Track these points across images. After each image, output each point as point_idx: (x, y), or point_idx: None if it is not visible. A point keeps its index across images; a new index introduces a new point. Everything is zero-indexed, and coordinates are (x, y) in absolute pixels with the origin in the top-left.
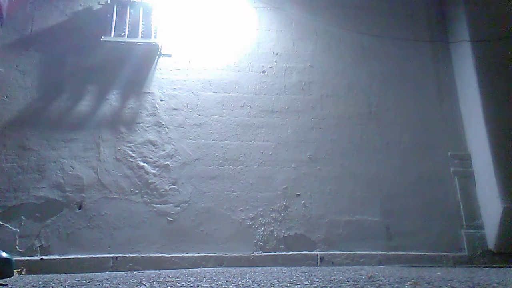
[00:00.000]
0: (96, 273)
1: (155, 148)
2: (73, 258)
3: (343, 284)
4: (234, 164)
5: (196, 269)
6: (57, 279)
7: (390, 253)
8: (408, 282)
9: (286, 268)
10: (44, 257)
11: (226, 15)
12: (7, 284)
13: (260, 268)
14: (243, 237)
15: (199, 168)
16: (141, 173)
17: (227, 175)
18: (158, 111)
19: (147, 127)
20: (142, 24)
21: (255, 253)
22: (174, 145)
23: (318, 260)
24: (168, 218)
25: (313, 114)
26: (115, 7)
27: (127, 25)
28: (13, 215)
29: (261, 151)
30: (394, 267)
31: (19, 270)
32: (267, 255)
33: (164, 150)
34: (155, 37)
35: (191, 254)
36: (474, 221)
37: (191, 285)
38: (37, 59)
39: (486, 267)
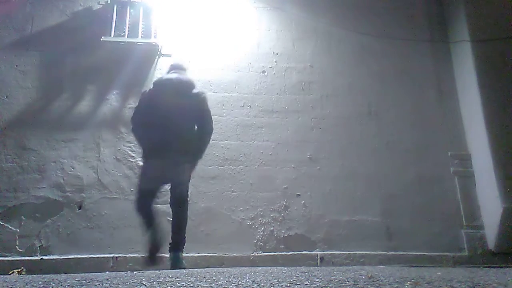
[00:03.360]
0: (96, 273)
1: None
2: (73, 258)
3: (343, 284)
4: (234, 164)
5: (196, 269)
6: (57, 279)
7: (390, 253)
8: (408, 282)
9: (286, 268)
10: (44, 257)
11: (226, 15)
12: (8, 285)
13: (260, 268)
14: (243, 237)
15: (199, 168)
16: None
17: (227, 175)
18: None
19: None
20: (142, 24)
21: (255, 253)
22: None
23: (318, 260)
24: (168, 218)
25: (313, 114)
26: (115, 7)
27: (127, 25)
28: (13, 215)
29: (261, 151)
30: (394, 267)
31: (19, 270)
32: (267, 255)
33: None
34: (155, 37)
35: (191, 254)
36: (474, 221)
37: (191, 285)
38: (37, 59)
39: (486, 267)
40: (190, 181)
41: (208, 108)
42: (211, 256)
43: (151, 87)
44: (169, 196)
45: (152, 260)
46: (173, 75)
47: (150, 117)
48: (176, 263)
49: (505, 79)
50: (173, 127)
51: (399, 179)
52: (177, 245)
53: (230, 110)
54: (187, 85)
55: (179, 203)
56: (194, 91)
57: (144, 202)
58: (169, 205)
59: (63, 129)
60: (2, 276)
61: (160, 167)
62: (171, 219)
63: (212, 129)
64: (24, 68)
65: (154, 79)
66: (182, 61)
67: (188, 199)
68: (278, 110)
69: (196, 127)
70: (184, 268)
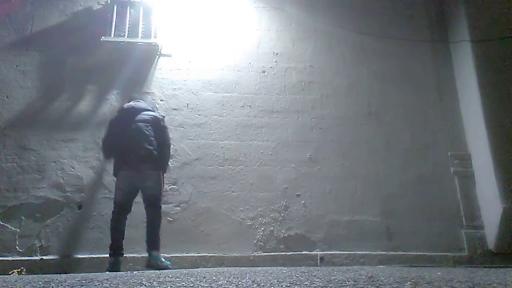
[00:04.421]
0: (96, 273)
1: None
2: (73, 258)
3: (343, 284)
4: (234, 164)
5: (196, 269)
6: (57, 279)
7: (390, 253)
8: (408, 282)
9: (286, 268)
10: (44, 257)
11: (226, 15)
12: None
13: (260, 268)
14: (243, 237)
15: (199, 168)
16: None
17: (227, 175)
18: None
19: None
20: (142, 24)
21: (255, 253)
22: (174, 145)
23: (318, 260)
24: (168, 218)
25: (313, 114)
26: (115, 7)
27: (127, 25)
28: (13, 215)
29: (261, 151)
30: (394, 267)
31: (19, 270)
32: (267, 255)
33: None
34: (155, 37)
35: (191, 254)
36: (474, 221)
37: (191, 285)
38: (37, 59)
39: (486, 267)
40: (191, 180)
41: (165, 125)
42: (211, 256)
43: (116, 114)
44: (169, 196)
45: (114, 262)
46: (132, 103)
47: (118, 138)
48: (151, 262)
49: (505, 79)
50: (140, 142)
51: (399, 179)
52: (151, 244)
53: (230, 110)
54: (146, 108)
55: (151, 205)
56: (152, 113)
57: (120, 213)
58: (169, 205)
59: (63, 129)
60: (2, 276)
61: (132, 176)
62: (146, 221)
63: (170, 143)
64: (24, 68)
65: (119, 108)
66: (139, 92)
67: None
68: (278, 110)
69: (157, 141)
70: (166, 267)
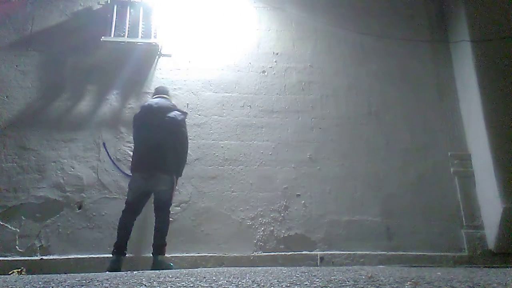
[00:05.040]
0: (96, 273)
1: None
2: (73, 258)
3: (343, 284)
4: (234, 164)
5: (196, 269)
6: (57, 279)
7: (390, 253)
8: (408, 282)
9: (286, 268)
10: (44, 257)
11: (226, 15)
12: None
13: (260, 268)
14: (243, 237)
15: (199, 168)
16: None
17: (227, 175)
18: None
19: None
20: (142, 24)
21: (255, 253)
22: None
23: (318, 260)
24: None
25: (313, 114)
26: (115, 7)
27: (127, 25)
28: (13, 215)
29: (261, 151)
30: (394, 267)
31: (19, 270)
32: (267, 255)
33: None
34: (155, 37)
35: (191, 254)
36: (474, 221)
37: (191, 285)
38: (37, 59)
39: (486, 267)
40: (191, 180)
41: (183, 130)
42: (211, 256)
43: (139, 111)
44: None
45: (115, 261)
46: (154, 100)
47: (136, 137)
48: (156, 266)
49: (505, 79)
50: (155, 145)
51: (399, 179)
52: (157, 249)
53: (230, 110)
54: (166, 109)
55: (160, 208)
56: (171, 114)
57: (129, 213)
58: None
59: (63, 129)
60: (2, 276)
61: (145, 179)
62: (154, 224)
63: (187, 149)
64: (24, 68)
65: (142, 104)
66: (166, 87)
67: (171, 208)
68: (278, 110)
69: (175, 145)
70: (168, 269)
